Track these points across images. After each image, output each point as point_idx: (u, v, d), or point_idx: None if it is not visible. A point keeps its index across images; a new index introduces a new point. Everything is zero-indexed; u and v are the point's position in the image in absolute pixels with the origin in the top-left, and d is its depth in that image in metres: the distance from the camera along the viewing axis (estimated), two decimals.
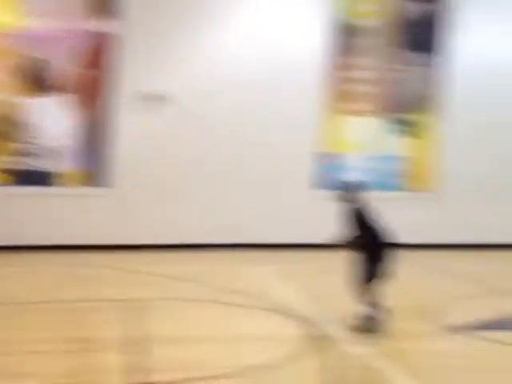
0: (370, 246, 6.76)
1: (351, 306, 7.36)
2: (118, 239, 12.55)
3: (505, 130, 13.86)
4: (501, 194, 13.83)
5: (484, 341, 6.51)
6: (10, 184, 12.30)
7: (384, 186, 13.05)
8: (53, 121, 12.45)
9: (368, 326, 6.72)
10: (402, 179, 13.62)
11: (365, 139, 13.52)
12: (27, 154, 12.39)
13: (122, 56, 12.54)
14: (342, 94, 13.38)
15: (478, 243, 13.48)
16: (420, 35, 13.56)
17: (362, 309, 6.78)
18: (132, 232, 12.64)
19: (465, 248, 13.29)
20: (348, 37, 13.33)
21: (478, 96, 13.68)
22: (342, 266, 8.07)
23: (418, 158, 13.70)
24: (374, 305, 7.00)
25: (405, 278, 7.16)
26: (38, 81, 12.40)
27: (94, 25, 12.47)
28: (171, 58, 12.81)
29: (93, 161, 12.61)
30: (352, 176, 13.10)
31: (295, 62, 13.08)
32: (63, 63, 12.35)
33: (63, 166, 12.52)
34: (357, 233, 6.85)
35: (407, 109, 13.62)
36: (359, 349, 6.18)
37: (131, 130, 12.63)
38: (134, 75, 12.51)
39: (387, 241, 6.91)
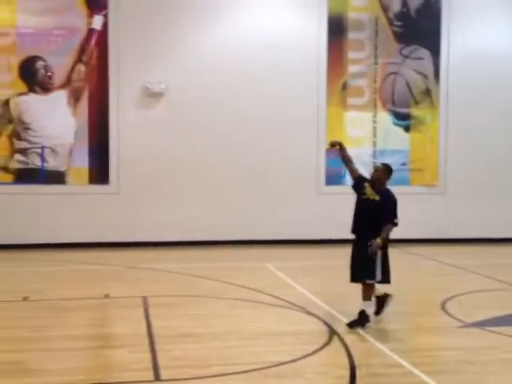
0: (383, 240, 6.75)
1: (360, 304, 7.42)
2: (124, 236, 12.56)
3: (504, 122, 13.92)
4: (501, 188, 13.90)
5: (495, 335, 6.56)
6: (11, 182, 12.31)
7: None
8: (50, 118, 12.42)
9: (364, 322, 6.74)
10: (406, 174, 13.66)
11: (366, 134, 13.56)
12: (25, 153, 12.35)
13: (117, 52, 12.51)
14: (342, 89, 13.40)
15: (482, 237, 13.54)
16: (415, 28, 13.60)
17: (367, 307, 6.82)
18: (137, 229, 12.64)
19: (470, 242, 13.35)
20: (345, 31, 13.35)
21: (478, 89, 13.74)
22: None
23: (420, 152, 13.73)
24: (383, 299, 7.06)
25: (414, 272, 7.18)
26: (36, 79, 12.35)
27: (87, 21, 12.44)
28: (169, 53, 12.79)
29: (93, 159, 12.58)
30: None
31: (292, 56, 13.10)
32: (59, 60, 12.33)
33: (63, 164, 12.51)
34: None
35: (406, 103, 13.65)
36: (379, 345, 6.20)
37: (129, 126, 12.62)
38: (130, 71, 12.49)
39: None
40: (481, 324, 6.98)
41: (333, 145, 7.26)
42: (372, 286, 6.86)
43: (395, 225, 6.79)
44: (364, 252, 6.71)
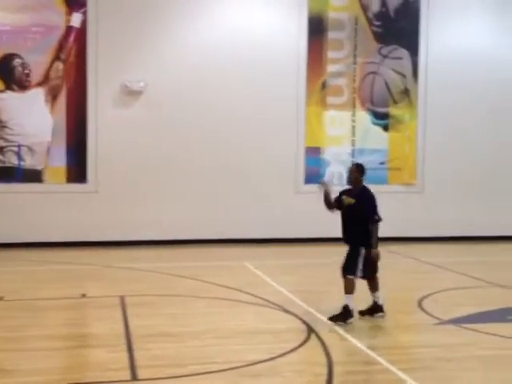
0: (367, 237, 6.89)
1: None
2: (101, 236, 12.49)
3: (482, 121, 14.06)
4: (478, 187, 14.04)
5: (471, 332, 6.62)
6: None
7: (366, 179, 13.15)
8: (28, 116, 12.30)
9: (345, 316, 6.82)
10: (384, 173, 13.73)
11: (345, 133, 13.61)
12: (2, 151, 12.22)
13: (96, 50, 12.43)
14: (321, 88, 13.45)
15: (459, 236, 13.66)
16: (394, 28, 13.68)
17: (349, 300, 6.88)
18: (115, 228, 12.58)
19: (447, 241, 13.48)
20: (325, 31, 13.39)
21: (457, 89, 13.85)
22: (330, 259, 8.17)
23: (398, 151, 13.82)
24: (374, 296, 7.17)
25: (392, 270, 7.24)
26: (13, 76, 12.23)
27: (66, 19, 12.34)
28: (148, 51, 12.73)
29: (71, 157, 12.49)
30: (335, 170, 13.29)
31: (272, 55, 13.11)
32: (36, 58, 12.22)
33: (41, 162, 12.40)
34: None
35: (385, 102, 13.72)
36: (357, 342, 6.24)
37: (108, 125, 12.54)
38: (109, 69, 12.42)
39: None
40: (457, 321, 7.06)
41: (323, 184, 7.31)
42: (352, 281, 6.95)
43: (377, 221, 6.92)
44: (349, 250, 7.00)
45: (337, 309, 6.91)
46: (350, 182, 7.16)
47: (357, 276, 6.95)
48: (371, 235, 6.87)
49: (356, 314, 7.01)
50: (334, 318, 6.85)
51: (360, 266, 6.91)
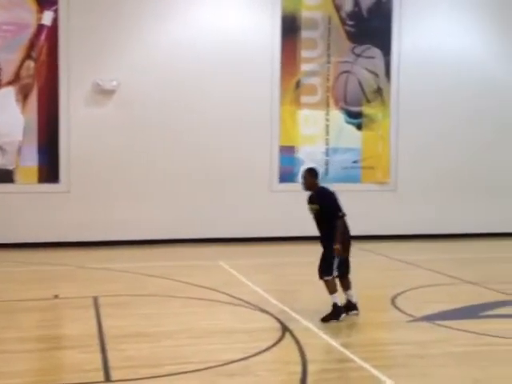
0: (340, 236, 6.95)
1: (319, 297, 7.50)
2: (74, 236, 12.38)
3: (454, 120, 14.23)
4: (450, 185, 14.21)
5: (443, 329, 6.70)
6: None
7: (339, 178, 13.25)
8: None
9: (336, 314, 6.88)
10: (357, 171, 13.82)
11: (319, 132, 13.67)
12: None
13: (68, 48, 12.30)
14: (295, 87, 13.48)
15: (431, 234, 13.83)
16: (367, 27, 13.78)
17: (336, 299, 6.93)
18: (89, 228, 12.47)
19: (420, 238, 13.62)
20: (298, 30, 13.43)
21: (429, 88, 14.00)
22: (306, 258, 8.21)
23: (372, 150, 13.93)
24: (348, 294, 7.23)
25: (365, 268, 7.29)
26: None
27: (37, 17, 12.20)
28: (121, 50, 12.64)
29: (43, 157, 12.35)
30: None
31: (246, 54, 13.11)
32: (7, 56, 12.06)
33: (12, 162, 12.24)
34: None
35: (358, 101, 13.81)
36: (331, 341, 6.27)
37: (80, 124, 12.43)
38: (81, 68, 12.30)
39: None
40: (429, 318, 7.14)
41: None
42: (331, 281, 7.00)
43: (341, 217, 6.99)
44: (323, 251, 7.07)
45: (312, 308, 6.95)
46: (306, 187, 7.23)
47: (333, 276, 7.01)
48: (334, 236, 6.92)
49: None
50: (327, 318, 6.90)
51: (335, 265, 6.97)
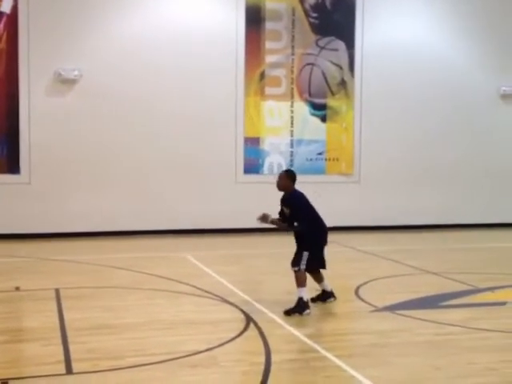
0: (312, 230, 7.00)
1: (284, 288, 7.55)
2: (35, 228, 12.19)
3: (415, 113, 14.40)
4: (413, 176, 14.39)
5: (406, 318, 6.80)
6: None
7: (304, 169, 13.28)
8: None
9: (300, 308, 6.89)
10: (322, 163, 13.90)
11: (284, 123, 13.70)
12: None
13: (28, 36, 12.06)
14: (259, 79, 13.47)
15: (394, 225, 14.00)
16: (331, 20, 13.83)
17: (303, 293, 6.95)
18: (50, 220, 12.30)
19: (383, 229, 13.79)
20: (262, 21, 13.41)
21: (392, 80, 14.13)
22: (272, 250, 8.24)
23: (336, 142, 14.02)
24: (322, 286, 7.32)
25: (330, 259, 7.34)
26: None
27: None
28: (83, 39, 12.45)
29: (3, 147, 12.11)
30: (274, 160, 13.37)
31: (210, 46, 13.04)
32: None
33: None
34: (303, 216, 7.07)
35: (323, 93, 13.87)
36: (295, 331, 6.30)
37: (41, 114, 12.22)
38: (42, 56, 12.09)
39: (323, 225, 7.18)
40: (392, 308, 7.23)
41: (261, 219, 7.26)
42: (300, 274, 6.99)
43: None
44: (297, 248, 7.13)
45: (277, 299, 6.96)
46: (279, 187, 7.22)
47: (302, 269, 6.99)
48: (282, 223, 7.11)
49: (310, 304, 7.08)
50: (290, 312, 6.88)
51: (304, 260, 6.99)
